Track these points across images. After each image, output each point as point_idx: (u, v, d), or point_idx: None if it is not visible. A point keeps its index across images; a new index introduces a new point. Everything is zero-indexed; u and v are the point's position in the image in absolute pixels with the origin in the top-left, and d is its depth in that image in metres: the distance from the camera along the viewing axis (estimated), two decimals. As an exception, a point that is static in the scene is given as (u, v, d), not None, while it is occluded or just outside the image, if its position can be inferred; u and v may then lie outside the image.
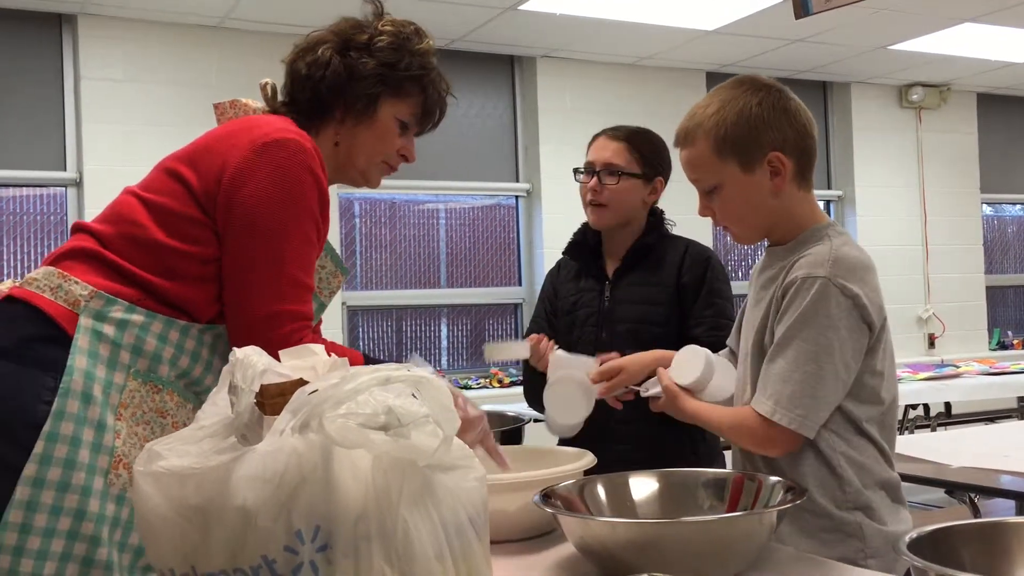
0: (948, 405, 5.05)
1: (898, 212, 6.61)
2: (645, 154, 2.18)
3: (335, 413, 0.87)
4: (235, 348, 1.03)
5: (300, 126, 1.56)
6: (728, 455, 1.75)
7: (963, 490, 2.29)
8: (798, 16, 2.32)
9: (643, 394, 1.69)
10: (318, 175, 1.48)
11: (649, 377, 1.72)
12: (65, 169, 4.66)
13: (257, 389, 0.96)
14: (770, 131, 1.47)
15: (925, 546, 0.98)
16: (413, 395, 0.93)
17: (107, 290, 1.40)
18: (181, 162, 1.50)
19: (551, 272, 2.39)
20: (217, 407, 1.02)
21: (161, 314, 1.42)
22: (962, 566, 1.00)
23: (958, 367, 4.96)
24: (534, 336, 2.11)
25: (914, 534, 1.01)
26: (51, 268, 1.42)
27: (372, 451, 0.90)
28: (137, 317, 1.40)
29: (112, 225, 1.47)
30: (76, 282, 1.40)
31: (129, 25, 4.68)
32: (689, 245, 2.19)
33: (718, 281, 2.14)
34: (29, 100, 4.62)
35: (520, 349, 2.10)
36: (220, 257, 1.46)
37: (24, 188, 4.70)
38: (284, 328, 1.45)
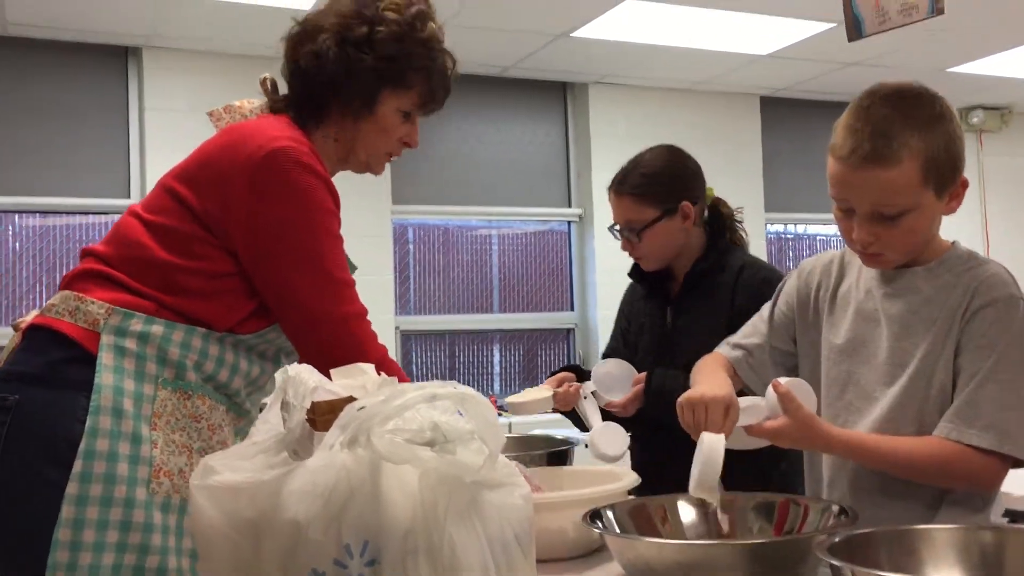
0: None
1: (958, 237, 6.38)
2: (657, 192, 2.03)
3: (383, 429, 0.89)
4: (288, 366, 1.05)
5: (299, 122, 1.56)
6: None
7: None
8: (851, 39, 2.30)
9: (743, 423, 1.45)
10: (320, 172, 1.48)
11: None
12: (129, 197, 4.80)
13: (308, 406, 0.98)
14: (963, 155, 1.40)
15: (842, 549, 1.04)
16: (459, 412, 0.94)
17: (123, 304, 1.42)
18: (178, 180, 1.51)
19: (629, 287, 2.28)
20: (269, 424, 1.05)
21: (180, 323, 1.44)
22: (878, 566, 1.06)
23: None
24: (556, 378, 2.08)
25: (835, 539, 1.07)
26: (67, 292, 1.45)
27: (419, 467, 0.91)
28: (157, 328, 1.42)
29: (115, 247, 1.49)
30: (92, 302, 1.42)
31: (192, 57, 4.82)
32: (744, 266, 2.04)
33: None
34: (95, 130, 4.77)
35: (543, 402, 2.05)
36: (233, 273, 1.47)
37: (90, 215, 4.84)
38: (360, 327, 1.48)
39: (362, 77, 1.55)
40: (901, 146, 1.34)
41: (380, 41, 1.55)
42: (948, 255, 1.46)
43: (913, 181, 1.35)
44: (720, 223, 2.14)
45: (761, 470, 1.79)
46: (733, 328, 1.89)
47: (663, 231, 2.04)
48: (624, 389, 2.04)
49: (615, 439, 1.98)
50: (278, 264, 1.46)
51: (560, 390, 2.05)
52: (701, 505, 1.40)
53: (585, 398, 2.05)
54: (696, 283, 2.08)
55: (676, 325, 2.11)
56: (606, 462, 1.98)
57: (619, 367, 2.08)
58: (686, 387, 1.89)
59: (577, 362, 5.03)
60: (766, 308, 1.66)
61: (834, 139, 1.40)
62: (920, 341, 1.41)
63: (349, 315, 1.48)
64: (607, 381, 2.06)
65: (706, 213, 2.14)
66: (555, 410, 2.09)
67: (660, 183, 2.05)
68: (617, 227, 2.10)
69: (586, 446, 2.01)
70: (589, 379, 2.08)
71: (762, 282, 1.99)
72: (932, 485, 1.41)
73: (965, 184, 1.41)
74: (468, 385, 0.97)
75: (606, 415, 2.04)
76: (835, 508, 1.31)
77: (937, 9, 2.06)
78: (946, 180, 1.38)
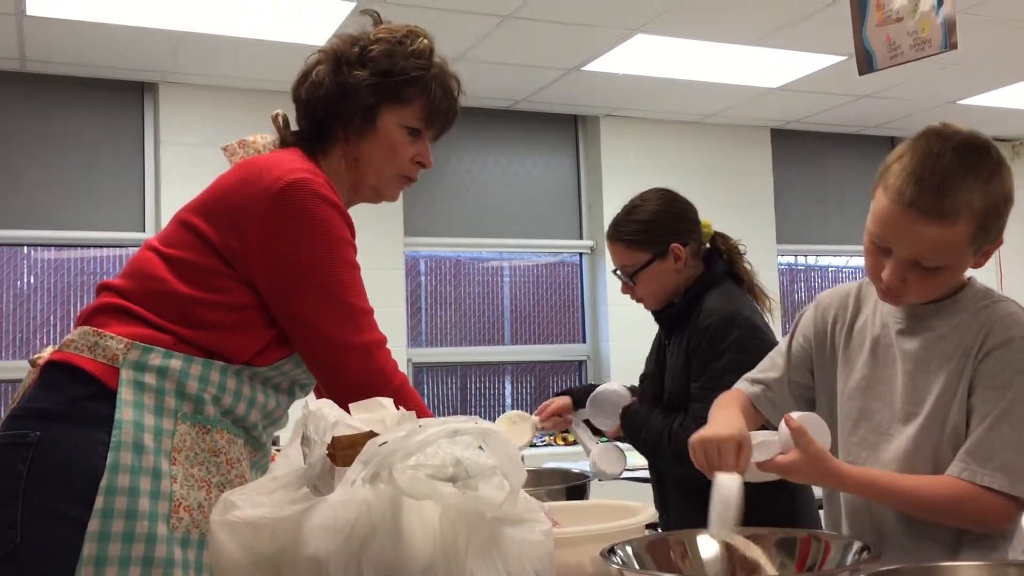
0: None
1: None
2: (646, 238, 2.09)
3: (405, 464, 0.89)
4: (309, 401, 1.05)
5: (309, 153, 1.58)
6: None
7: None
8: (862, 72, 2.31)
9: (755, 459, 1.42)
10: (335, 202, 1.50)
11: None
12: (144, 230, 4.83)
13: (329, 441, 0.98)
14: (1007, 217, 1.36)
15: None
16: (480, 447, 0.94)
17: (142, 339, 1.43)
18: (195, 213, 1.52)
19: None
20: (289, 459, 1.05)
21: (198, 357, 1.44)
22: None
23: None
24: (548, 412, 2.25)
25: None
26: (86, 327, 1.45)
27: (440, 502, 0.91)
28: (175, 362, 1.43)
29: (134, 280, 1.50)
30: (111, 337, 1.42)
31: (207, 92, 4.87)
32: (701, 311, 2.04)
33: (710, 353, 1.98)
34: (111, 164, 4.82)
35: (526, 433, 2.25)
36: (252, 305, 1.48)
37: (104, 248, 4.88)
38: (381, 355, 1.48)
39: (359, 94, 1.58)
40: (963, 206, 1.31)
41: (372, 58, 1.58)
42: (964, 293, 1.44)
43: (963, 241, 1.33)
44: (715, 259, 2.15)
45: (765, 501, 1.77)
46: (691, 370, 2.02)
47: (655, 274, 2.09)
48: (616, 414, 2.17)
49: (614, 458, 2.15)
50: (297, 294, 1.47)
51: (547, 424, 2.25)
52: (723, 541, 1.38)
53: (577, 426, 2.24)
54: (676, 322, 2.11)
55: (667, 367, 2.14)
56: (606, 479, 2.18)
57: (615, 391, 2.20)
58: (656, 424, 2.04)
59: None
60: (783, 342, 1.64)
61: (892, 178, 1.35)
62: (935, 379, 1.39)
63: (369, 343, 1.49)
64: (608, 402, 2.18)
65: (708, 246, 2.16)
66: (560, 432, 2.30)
67: (650, 229, 2.10)
68: (616, 271, 2.17)
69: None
70: (585, 403, 2.23)
71: (703, 332, 2.00)
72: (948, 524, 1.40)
73: (999, 243, 1.40)
74: (479, 417, 0.97)
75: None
76: (857, 545, 1.30)
77: (950, 44, 2.06)
78: (990, 241, 1.37)
